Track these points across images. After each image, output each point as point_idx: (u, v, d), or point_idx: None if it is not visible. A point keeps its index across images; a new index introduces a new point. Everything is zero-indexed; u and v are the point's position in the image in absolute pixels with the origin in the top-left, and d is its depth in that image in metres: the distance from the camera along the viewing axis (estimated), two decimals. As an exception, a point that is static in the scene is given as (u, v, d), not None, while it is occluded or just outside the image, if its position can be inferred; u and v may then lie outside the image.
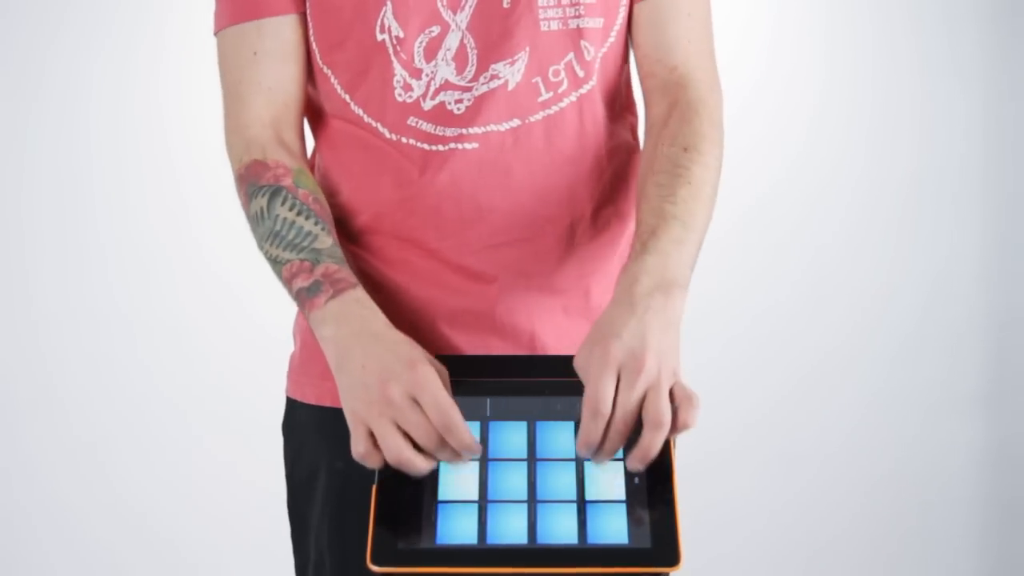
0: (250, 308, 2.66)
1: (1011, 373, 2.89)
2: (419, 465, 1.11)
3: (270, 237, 1.26)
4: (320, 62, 1.34)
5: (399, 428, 1.11)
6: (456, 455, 1.12)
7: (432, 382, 1.12)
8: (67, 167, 2.63)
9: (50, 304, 2.64)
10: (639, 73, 1.37)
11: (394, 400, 1.11)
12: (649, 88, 1.35)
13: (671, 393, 1.11)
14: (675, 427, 1.11)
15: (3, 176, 2.62)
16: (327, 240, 1.25)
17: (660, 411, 1.09)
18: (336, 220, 1.35)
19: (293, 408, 1.43)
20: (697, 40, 1.35)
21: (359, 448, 1.13)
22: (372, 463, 1.13)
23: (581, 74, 1.32)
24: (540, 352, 1.34)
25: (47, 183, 2.63)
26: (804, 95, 2.81)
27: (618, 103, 1.38)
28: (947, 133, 2.84)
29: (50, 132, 2.62)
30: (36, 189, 2.63)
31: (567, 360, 1.17)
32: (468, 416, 1.15)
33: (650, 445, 1.09)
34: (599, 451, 1.11)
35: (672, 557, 1.08)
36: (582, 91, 1.32)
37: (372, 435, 1.12)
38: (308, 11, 1.32)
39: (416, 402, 1.11)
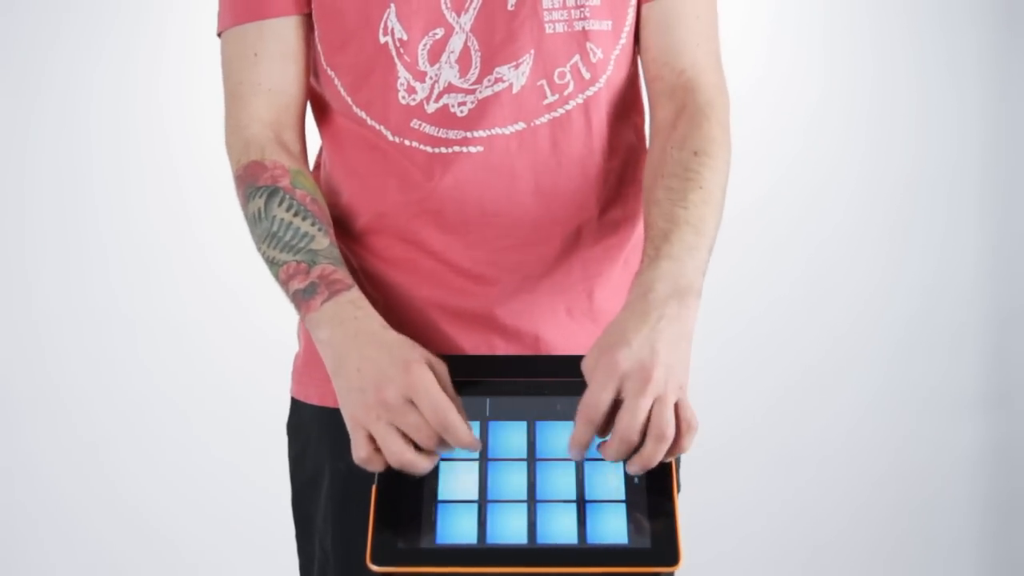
0: (251, 308, 2.66)
1: (1010, 372, 2.89)
2: (421, 465, 1.12)
3: (267, 238, 1.25)
4: (324, 64, 1.33)
5: (399, 430, 1.11)
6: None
7: (427, 381, 1.12)
8: (68, 167, 2.63)
9: (51, 304, 2.65)
10: (645, 76, 1.35)
11: (390, 403, 1.12)
12: (656, 91, 1.33)
13: (676, 411, 1.10)
14: (672, 450, 1.10)
15: (5, 176, 2.62)
16: (324, 241, 1.25)
17: (664, 423, 1.08)
18: (339, 219, 1.35)
19: (298, 408, 1.43)
20: (705, 43, 1.33)
21: (360, 453, 1.13)
22: (373, 467, 1.13)
23: (587, 76, 1.31)
24: (545, 353, 1.34)
25: (48, 183, 2.63)
26: (803, 95, 2.81)
27: (625, 104, 1.37)
28: (945, 133, 2.84)
29: (51, 133, 2.62)
30: (37, 189, 2.63)
31: (567, 360, 1.17)
32: (468, 416, 1.15)
33: (652, 455, 1.09)
34: (606, 454, 1.10)
35: (672, 557, 1.08)
36: (588, 93, 1.31)
37: (372, 439, 1.13)
38: (313, 13, 1.32)
39: (412, 403, 1.11)
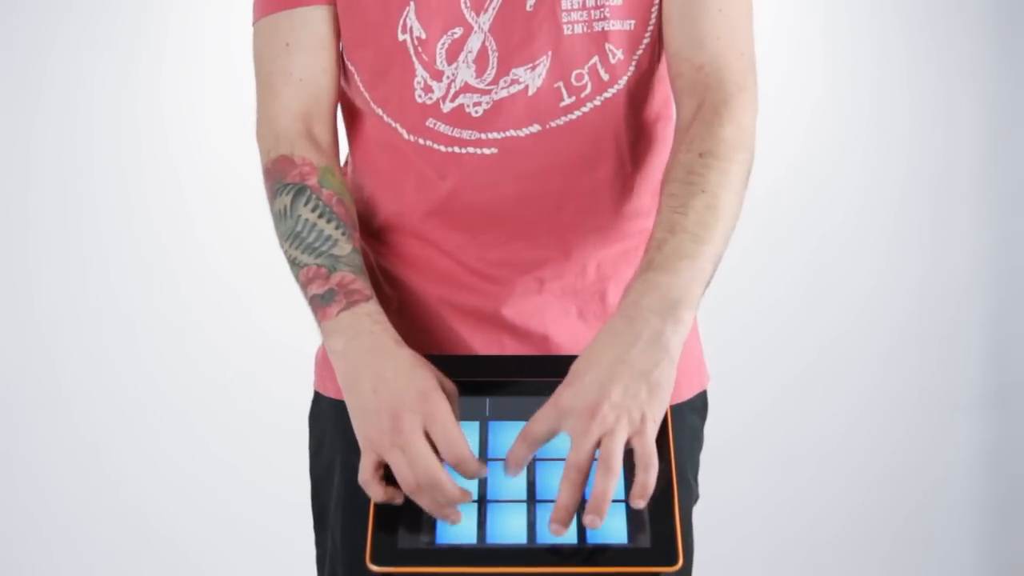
0: (252, 308, 2.67)
1: (1007, 372, 2.90)
2: (422, 501, 1.10)
3: (290, 237, 1.24)
4: (346, 58, 1.33)
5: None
6: (441, 503, 1.10)
7: (445, 413, 1.11)
8: (70, 168, 2.64)
9: (53, 304, 2.65)
10: (669, 72, 1.30)
11: (404, 430, 1.10)
12: (678, 88, 1.28)
13: (634, 445, 1.06)
14: (634, 491, 1.05)
15: (7, 177, 2.63)
16: (347, 246, 1.23)
17: (609, 454, 1.04)
18: (361, 216, 1.35)
19: (318, 400, 1.43)
20: (728, 37, 1.26)
21: (364, 475, 1.12)
22: (372, 493, 1.12)
23: (606, 78, 1.28)
24: (554, 354, 1.33)
25: (50, 183, 2.63)
26: (803, 94, 2.81)
27: (647, 104, 1.34)
28: (943, 133, 2.85)
29: (53, 133, 2.63)
30: (39, 189, 2.63)
31: (567, 360, 1.17)
32: (468, 416, 1.16)
33: (601, 489, 1.04)
34: (559, 507, 1.06)
35: (671, 556, 1.08)
36: (607, 95, 1.29)
37: (380, 465, 1.12)
38: (337, 5, 1.32)
39: (426, 434, 1.10)
